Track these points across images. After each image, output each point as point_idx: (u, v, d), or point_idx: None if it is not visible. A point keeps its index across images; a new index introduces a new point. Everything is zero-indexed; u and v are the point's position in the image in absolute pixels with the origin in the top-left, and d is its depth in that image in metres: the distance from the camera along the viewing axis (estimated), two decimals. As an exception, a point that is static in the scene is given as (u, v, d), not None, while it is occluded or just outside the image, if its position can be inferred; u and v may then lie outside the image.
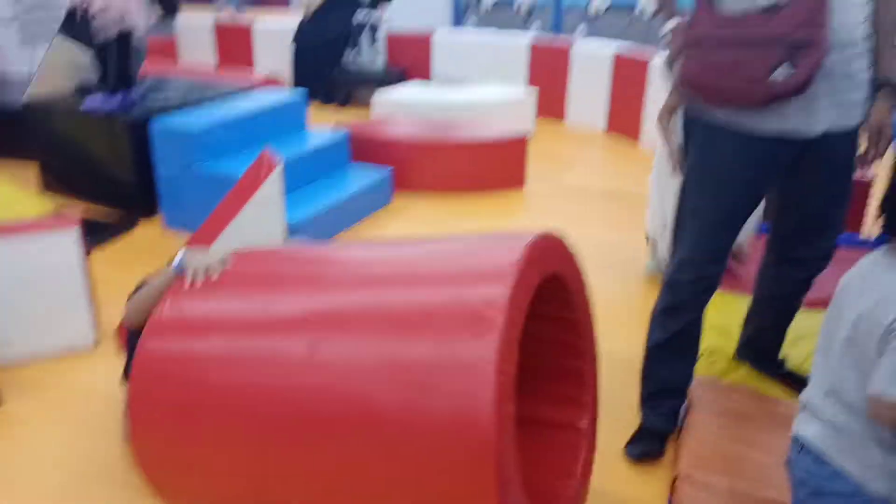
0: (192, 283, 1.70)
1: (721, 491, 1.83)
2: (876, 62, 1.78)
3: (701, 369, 2.34)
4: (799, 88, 1.67)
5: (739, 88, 1.71)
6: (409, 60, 6.74)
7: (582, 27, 7.41)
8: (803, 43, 1.62)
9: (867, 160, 1.87)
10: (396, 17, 7.06)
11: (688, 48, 1.79)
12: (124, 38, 3.84)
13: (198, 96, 4.11)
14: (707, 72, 1.75)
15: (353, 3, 6.62)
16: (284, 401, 1.47)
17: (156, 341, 1.65)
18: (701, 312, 2.04)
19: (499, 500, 1.26)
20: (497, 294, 1.31)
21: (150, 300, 1.77)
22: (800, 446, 1.34)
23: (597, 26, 7.34)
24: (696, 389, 2.19)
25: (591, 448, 1.81)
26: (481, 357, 1.25)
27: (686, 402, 2.16)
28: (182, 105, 3.93)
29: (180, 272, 1.74)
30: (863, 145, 1.87)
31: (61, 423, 2.32)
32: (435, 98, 5.48)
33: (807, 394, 1.35)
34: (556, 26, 7.55)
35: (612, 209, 4.25)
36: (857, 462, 1.25)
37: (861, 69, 1.77)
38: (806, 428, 1.34)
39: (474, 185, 4.45)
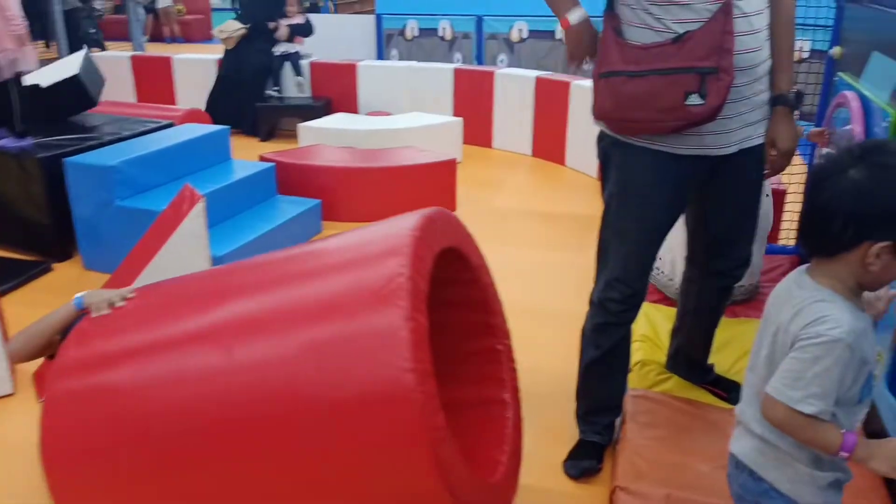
0: (96, 319, 1.63)
1: (658, 500, 1.86)
2: (772, 81, 1.87)
3: (633, 381, 2.38)
4: (712, 114, 1.72)
5: (655, 118, 1.75)
6: (335, 91, 6.73)
7: (503, 57, 7.56)
8: (713, 70, 1.68)
9: (770, 172, 1.97)
10: (321, 49, 7.05)
11: (600, 84, 1.81)
12: (18, 81, 3.75)
13: (115, 132, 4.00)
14: (621, 105, 1.77)
15: (271, 37, 6.61)
16: (209, 410, 1.42)
17: (64, 381, 1.56)
18: (630, 327, 2.08)
19: (433, 454, 1.27)
20: (397, 265, 1.37)
21: (38, 336, 1.69)
22: (735, 461, 1.37)
23: (518, 53, 7.49)
24: (629, 402, 2.22)
25: (518, 416, 1.83)
26: (392, 323, 1.30)
27: (621, 415, 2.18)
28: (99, 141, 3.82)
29: (80, 308, 1.67)
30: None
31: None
32: (361, 127, 5.48)
33: (740, 408, 1.38)
34: (479, 55, 7.68)
35: (541, 230, 4.31)
36: (787, 478, 1.28)
37: (763, 90, 1.86)
38: (739, 443, 1.36)
39: (406, 211, 4.41)
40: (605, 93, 1.80)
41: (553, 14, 1.90)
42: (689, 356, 2.37)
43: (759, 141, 1.91)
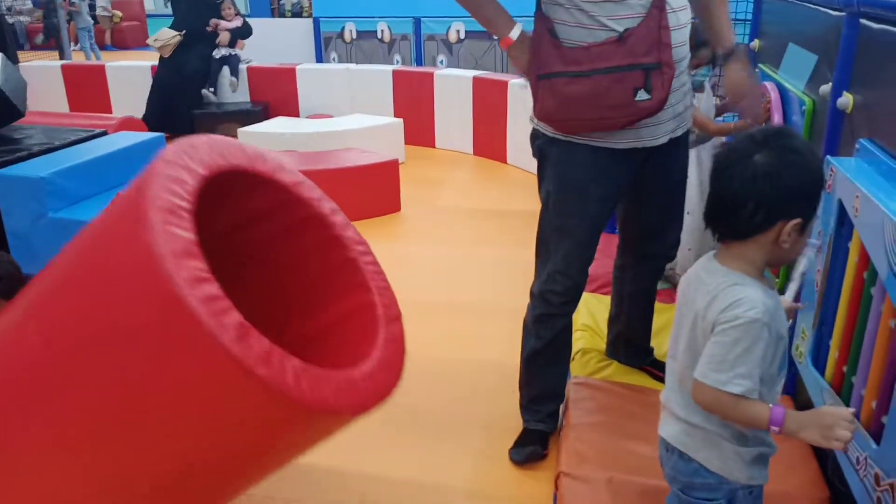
0: None
1: (601, 483, 1.90)
2: (714, 40, 2.03)
3: (575, 370, 2.43)
4: (659, 107, 1.78)
5: (605, 116, 1.78)
6: (274, 95, 6.67)
7: (442, 58, 7.60)
8: (657, 65, 1.73)
9: (752, 121, 2.15)
10: (259, 53, 6.97)
11: (540, 85, 1.83)
12: None
13: (46, 142, 3.89)
14: (564, 107, 1.80)
15: (210, 41, 6.51)
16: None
17: None
18: (571, 318, 2.13)
19: (215, 342, 1.10)
20: (137, 189, 1.26)
21: None
22: (665, 445, 1.41)
23: (456, 54, 7.55)
24: (571, 389, 2.27)
25: (392, 310, 1.65)
26: (140, 216, 1.18)
27: (564, 403, 2.23)
28: (28, 153, 3.71)
29: None
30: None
31: None
32: (302, 130, 5.45)
33: (664, 395, 1.43)
34: (419, 56, 7.71)
35: (485, 227, 4.35)
36: (716, 456, 1.33)
37: (686, 82, 1.95)
38: (667, 427, 1.41)
39: (350, 213, 4.29)
40: (547, 94, 1.82)
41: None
42: (630, 340, 2.43)
43: (685, 129, 2.00)
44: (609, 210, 2.01)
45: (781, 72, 2.48)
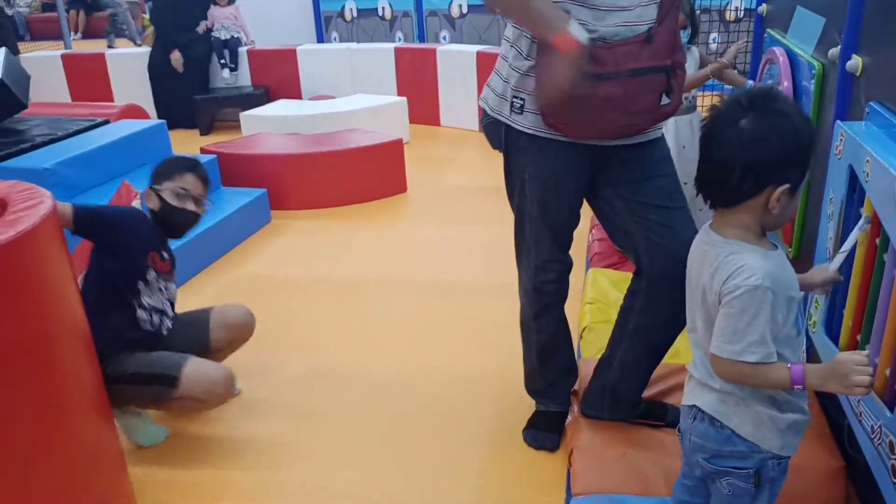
0: None
1: (614, 459, 1.90)
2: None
3: (584, 349, 2.42)
4: (675, 111, 1.74)
5: (632, 123, 1.70)
6: (275, 77, 6.63)
7: (445, 34, 7.51)
8: (674, 68, 1.68)
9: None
10: (258, 35, 6.92)
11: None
12: None
13: (49, 133, 3.88)
14: (587, 110, 1.67)
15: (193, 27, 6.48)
16: None
17: None
18: (564, 306, 2.11)
19: None
20: None
21: None
22: (693, 414, 1.39)
23: (459, 29, 7.46)
24: (581, 369, 2.25)
25: None
26: None
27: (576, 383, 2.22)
28: (32, 144, 3.70)
29: None
30: None
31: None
32: (304, 112, 5.42)
33: (692, 367, 1.41)
34: (420, 33, 7.63)
35: (492, 205, 4.31)
36: (749, 422, 1.32)
37: None
38: (698, 397, 1.39)
39: (356, 195, 4.42)
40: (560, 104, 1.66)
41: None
42: (618, 395, 2.05)
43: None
44: (582, 197, 1.95)
45: (790, 36, 2.43)
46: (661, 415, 2.09)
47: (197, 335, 2.39)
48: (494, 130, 1.90)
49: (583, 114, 1.69)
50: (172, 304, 2.37)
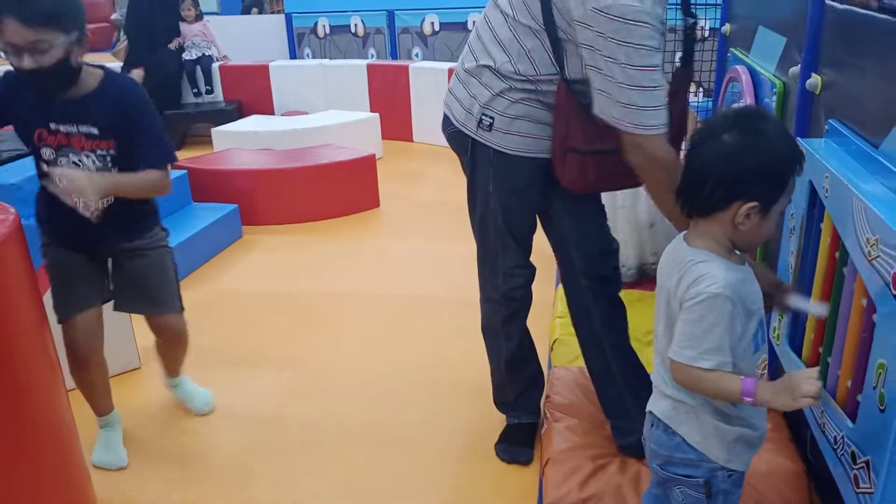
0: None
1: (588, 467, 1.91)
2: None
3: (554, 359, 2.43)
4: None
5: (635, 184, 1.76)
6: (248, 93, 6.62)
7: (417, 51, 7.57)
8: (681, 135, 1.76)
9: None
10: (229, 51, 6.90)
11: (586, 160, 1.75)
12: None
13: (15, 148, 3.82)
14: (602, 178, 1.78)
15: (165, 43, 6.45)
16: None
17: None
18: (529, 310, 2.13)
19: None
20: None
21: None
22: (651, 421, 1.43)
23: (431, 46, 7.52)
24: (552, 379, 2.27)
25: None
26: None
27: (545, 392, 2.23)
28: (-2, 159, 3.65)
29: None
30: None
31: None
32: (277, 128, 5.41)
33: (653, 375, 1.44)
34: (393, 50, 7.67)
35: (466, 221, 4.33)
36: (697, 431, 1.35)
37: None
38: (655, 404, 1.43)
39: (329, 210, 4.42)
40: (592, 168, 1.76)
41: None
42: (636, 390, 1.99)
43: None
44: (541, 203, 2.00)
45: (752, 55, 2.49)
46: None
47: (135, 295, 2.21)
48: (460, 140, 1.95)
49: (600, 181, 1.79)
50: None
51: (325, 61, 6.84)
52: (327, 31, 7.96)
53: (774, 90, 2.12)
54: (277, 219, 4.32)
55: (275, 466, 2.23)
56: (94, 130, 1.96)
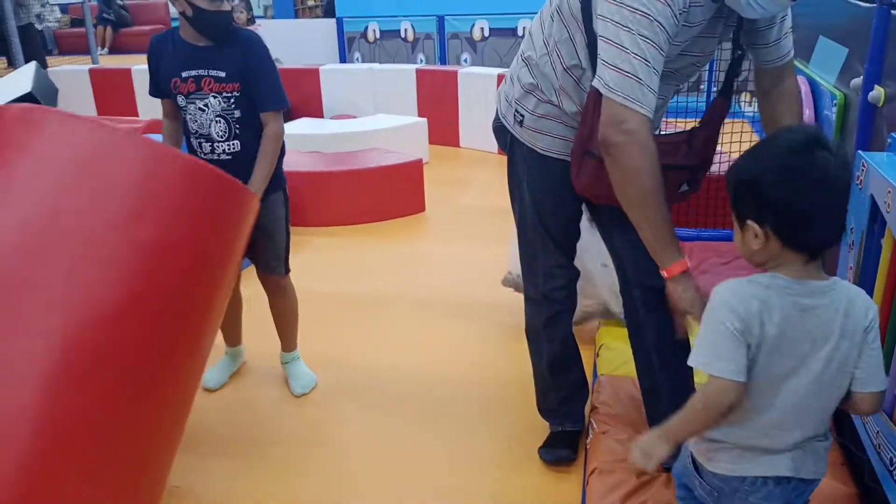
0: None
1: (633, 479, 1.88)
2: None
3: (600, 366, 2.41)
4: (693, 193, 1.82)
5: None
6: (298, 96, 6.70)
7: (466, 56, 7.59)
8: (705, 163, 1.77)
9: None
10: (282, 54, 7.02)
11: (591, 164, 1.73)
12: None
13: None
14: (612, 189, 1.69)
15: None
16: None
17: None
18: (573, 314, 2.11)
19: None
20: None
21: None
22: None
23: (480, 52, 7.53)
24: (597, 387, 2.25)
25: None
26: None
27: (590, 401, 2.22)
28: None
29: None
30: None
31: None
32: (326, 131, 5.47)
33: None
34: (442, 54, 7.71)
35: (509, 227, 4.33)
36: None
37: None
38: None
39: (375, 213, 4.46)
40: (603, 175, 1.67)
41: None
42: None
43: None
44: (581, 210, 1.99)
45: (812, 65, 2.44)
46: None
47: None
48: (501, 134, 1.97)
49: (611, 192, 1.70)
50: (230, 123, 2.29)
51: (375, 66, 6.90)
52: (377, 35, 8.04)
53: (835, 102, 2.08)
54: (324, 220, 4.36)
55: (315, 466, 2.25)
56: (222, 74, 2.25)
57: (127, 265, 1.64)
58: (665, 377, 1.93)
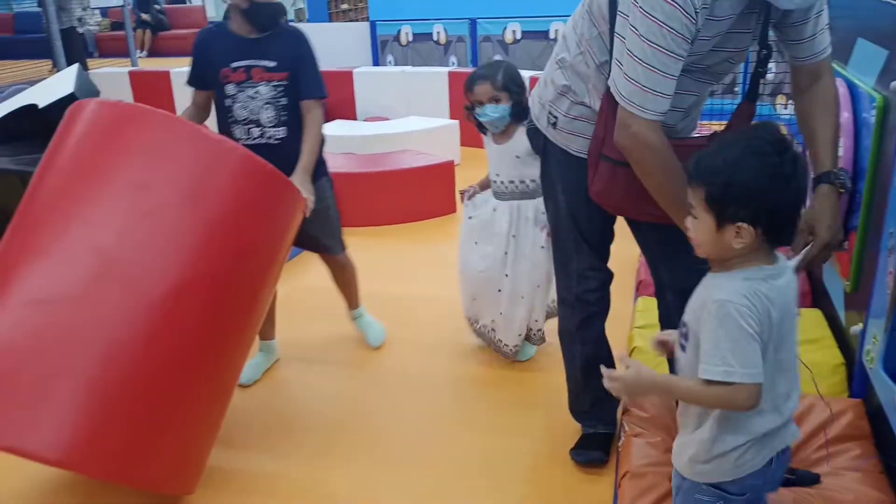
0: None
1: (666, 482, 1.87)
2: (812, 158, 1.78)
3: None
4: None
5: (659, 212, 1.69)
6: (331, 98, 6.73)
7: (498, 58, 7.59)
8: None
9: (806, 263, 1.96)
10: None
11: (608, 168, 1.72)
12: None
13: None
14: (632, 195, 1.69)
15: None
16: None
17: None
18: (606, 316, 2.11)
19: None
20: None
21: None
22: None
23: (513, 54, 7.53)
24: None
25: None
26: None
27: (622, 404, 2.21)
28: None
29: None
30: None
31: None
32: (359, 133, 5.52)
33: None
34: (474, 57, 7.72)
35: (540, 228, 4.33)
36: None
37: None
38: None
39: (406, 214, 4.49)
40: (622, 181, 1.69)
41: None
42: None
43: None
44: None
45: (850, 67, 2.40)
46: (790, 470, 1.82)
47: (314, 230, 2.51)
48: (535, 136, 1.98)
49: (631, 199, 1.71)
50: (277, 111, 2.44)
51: (408, 68, 6.94)
52: (410, 38, 8.08)
53: (874, 104, 2.05)
54: (356, 221, 4.39)
55: (346, 460, 2.27)
56: (272, 64, 2.41)
57: (191, 238, 1.88)
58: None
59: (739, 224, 1.21)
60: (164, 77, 7.15)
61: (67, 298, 1.75)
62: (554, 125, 1.88)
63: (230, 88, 2.42)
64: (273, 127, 2.45)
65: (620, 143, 1.60)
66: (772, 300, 1.23)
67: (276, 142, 2.45)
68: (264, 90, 2.41)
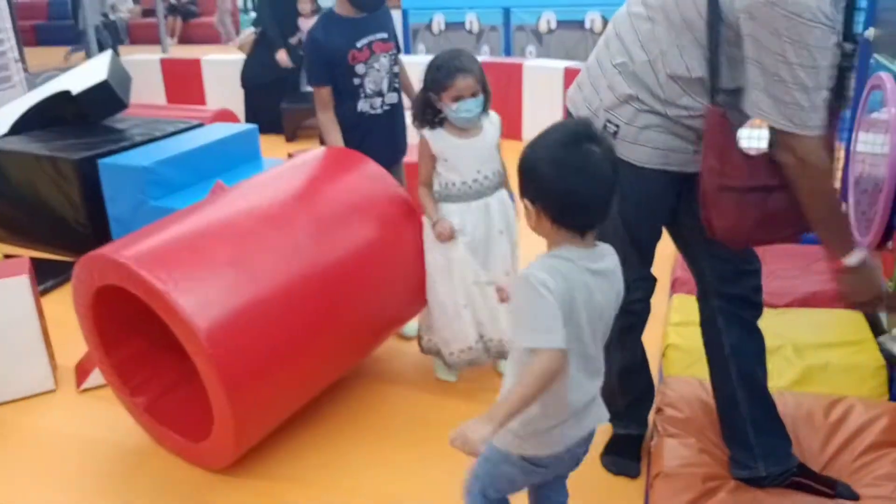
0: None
1: (698, 482, 1.84)
2: None
3: (666, 367, 2.36)
4: None
5: (797, 232, 1.66)
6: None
7: (531, 48, 7.51)
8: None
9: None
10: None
11: (745, 199, 1.61)
12: None
13: (147, 133, 4.06)
14: (766, 224, 1.63)
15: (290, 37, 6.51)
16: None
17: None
18: (646, 323, 2.08)
19: None
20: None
21: None
22: None
23: (547, 44, 7.44)
24: (663, 389, 2.19)
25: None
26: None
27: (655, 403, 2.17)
28: (132, 143, 3.88)
29: None
30: None
31: (22, 468, 2.25)
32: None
33: None
34: (507, 46, 7.65)
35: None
36: None
37: None
38: None
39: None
40: (748, 209, 1.61)
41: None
42: (760, 427, 1.90)
43: None
44: (668, 220, 1.94)
45: (900, 61, 2.33)
46: (831, 483, 1.83)
47: None
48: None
49: (765, 228, 1.64)
50: (391, 78, 2.74)
51: (438, 57, 6.88)
52: (442, 27, 8.03)
53: (926, 100, 1.98)
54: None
55: (372, 460, 2.26)
56: (385, 35, 2.70)
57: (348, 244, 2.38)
58: (743, 386, 1.88)
59: (524, 200, 1.38)
60: (195, 64, 7.18)
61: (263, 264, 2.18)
62: (614, 135, 1.76)
63: (360, 68, 2.63)
64: (389, 93, 2.73)
65: (785, 163, 1.53)
66: (570, 280, 1.34)
67: (389, 107, 2.73)
68: (384, 61, 2.68)
